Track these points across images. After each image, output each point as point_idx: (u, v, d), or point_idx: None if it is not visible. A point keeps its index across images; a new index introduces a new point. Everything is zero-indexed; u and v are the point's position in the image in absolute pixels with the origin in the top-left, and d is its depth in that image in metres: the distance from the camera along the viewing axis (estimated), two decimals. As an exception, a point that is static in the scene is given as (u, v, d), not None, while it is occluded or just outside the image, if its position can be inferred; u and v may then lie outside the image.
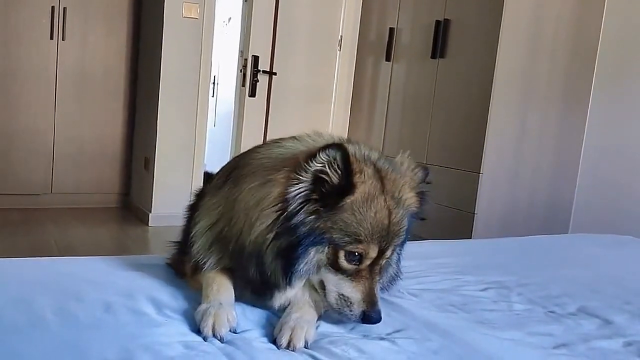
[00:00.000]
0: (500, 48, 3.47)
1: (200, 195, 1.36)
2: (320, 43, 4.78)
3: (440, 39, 3.87)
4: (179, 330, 1.05)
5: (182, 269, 1.31)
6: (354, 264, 1.12)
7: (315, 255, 1.10)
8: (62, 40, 4.60)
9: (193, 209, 1.33)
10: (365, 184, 1.11)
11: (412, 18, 4.20)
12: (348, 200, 1.09)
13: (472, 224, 3.54)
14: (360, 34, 4.77)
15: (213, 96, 6.52)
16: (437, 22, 3.89)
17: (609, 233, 2.69)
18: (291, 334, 1.05)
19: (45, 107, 4.65)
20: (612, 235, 2.55)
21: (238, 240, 1.14)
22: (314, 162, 1.07)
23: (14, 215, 4.38)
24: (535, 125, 3.76)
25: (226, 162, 1.41)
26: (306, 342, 1.05)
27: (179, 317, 1.11)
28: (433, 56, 3.93)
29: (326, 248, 1.10)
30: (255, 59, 4.42)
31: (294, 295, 1.17)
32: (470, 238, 3.36)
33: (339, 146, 1.08)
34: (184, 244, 1.32)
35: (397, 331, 1.17)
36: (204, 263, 1.21)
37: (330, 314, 1.16)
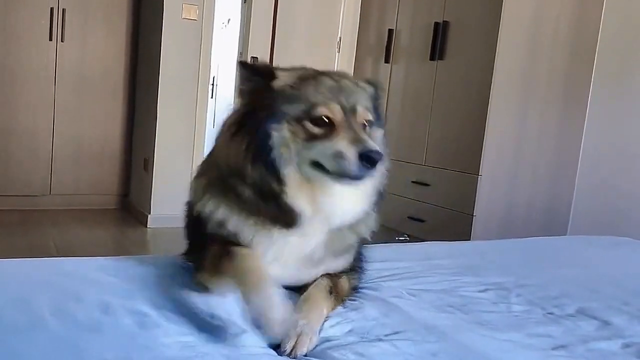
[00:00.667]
0: (499, 49, 3.47)
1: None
2: (319, 44, 4.79)
3: (439, 41, 3.87)
4: (178, 330, 1.05)
5: (201, 262, 1.28)
6: (325, 127, 1.16)
7: (277, 135, 1.15)
8: (62, 41, 4.61)
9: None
10: (290, 72, 1.23)
11: (411, 19, 4.20)
12: (275, 84, 1.19)
13: (471, 225, 3.54)
14: (359, 35, 4.77)
15: (212, 97, 6.52)
16: (436, 24, 3.89)
17: (607, 235, 2.70)
18: (296, 340, 1.04)
19: (45, 108, 4.65)
20: (611, 237, 2.56)
21: (220, 172, 1.23)
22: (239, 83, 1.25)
23: (12, 216, 4.38)
24: (534, 127, 3.77)
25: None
26: (307, 350, 1.05)
27: (178, 318, 1.11)
28: (432, 58, 3.93)
29: (285, 124, 1.15)
30: (255, 60, 4.42)
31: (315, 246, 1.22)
32: (469, 239, 3.36)
33: (241, 62, 1.26)
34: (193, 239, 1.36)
35: (396, 332, 1.16)
36: (208, 211, 1.23)
37: (339, 181, 1.16)
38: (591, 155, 3.89)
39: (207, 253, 1.24)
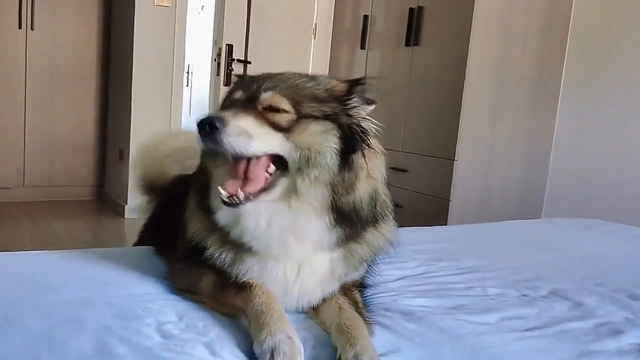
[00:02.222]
0: (473, 35, 3.50)
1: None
2: (294, 31, 4.77)
3: (414, 27, 3.88)
4: (157, 319, 1.05)
5: (197, 285, 1.17)
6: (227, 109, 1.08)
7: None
8: (31, 29, 4.52)
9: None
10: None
11: (385, 5, 4.20)
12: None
13: (448, 210, 3.59)
14: (334, 21, 4.77)
15: (188, 85, 6.47)
16: (411, 10, 3.90)
17: (580, 217, 2.75)
18: None
19: (15, 98, 4.57)
20: (582, 219, 2.61)
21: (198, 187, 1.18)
22: None
23: (-16, 209, 4.31)
24: (508, 112, 3.81)
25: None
26: None
27: (157, 308, 1.11)
28: (407, 44, 3.95)
29: None
30: (230, 47, 4.39)
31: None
32: (446, 224, 3.40)
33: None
34: (187, 253, 1.21)
35: (373, 318, 1.17)
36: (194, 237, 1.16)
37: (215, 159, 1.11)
38: (564, 139, 3.96)
39: (203, 281, 1.15)
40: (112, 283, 1.23)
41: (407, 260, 1.61)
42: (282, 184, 1.06)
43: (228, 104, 1.11)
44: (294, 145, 1.04)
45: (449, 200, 3.61)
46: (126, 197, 4.42)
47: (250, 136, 1.01)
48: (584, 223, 2.44)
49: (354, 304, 1.15)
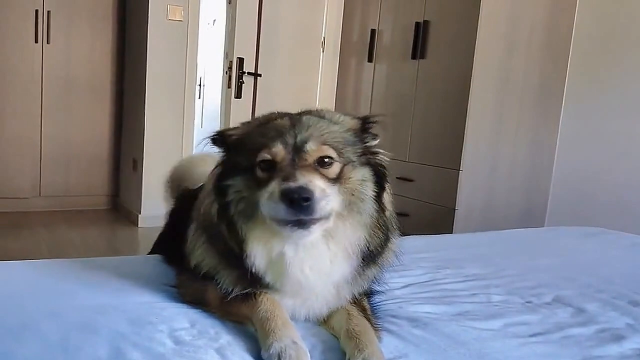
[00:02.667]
0: (478, 48, 3.54)
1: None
2: (303, 45, 4.81)
3: (420, 40, 3.93)
4: (170, 326, 1.07)
5: (204, 298, 1.18)
6: (268, 171, 1.04)
7: (233, 190, 1.08)
8: (47, 43, 4.60)
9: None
10: (247, 123, 1.18)
11: (392, 19, 4.25)
12: (228, 141, 1.15)
13: (453, 219, 3.61)
14: (342, 35, 4.81)
15: (200, 98, 6.53)
16: (417, 24, 3.94)
17: (582, 225, 2.76)
18: None
19: (32, 110, 4.63)
20: (585, 227, 2.62)
21: (203, 223, 1.17)
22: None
23: (2, 219, 4.37)
24: (512, 123, 3.84)
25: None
26: None
27: (169, 315, 1.13)
28: (413, 57, 3.99)
29: (239, 176, 1.08)
30: (240, 60, 4.45)
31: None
32: (451, 233, 3.42)
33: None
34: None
35: (380, 324, 1.19)
36: (197, 263, 1.17)
37: (283, 230, 1.03)
38: (567, 149, 3.97)
39: (210, 294, 1.16)
40: (125, 290, 1.26)
41: (413, 268, 1.62)
42: (324, 227, 1.04)
43: (267, 160, 1.05)
44: (340, 192, 1.05)
45: (454, 209, 3.64)
46: (140, 207, 4.48)
47: (327, 196, 1.00)
48: (586, 231, 2.45)
49: (362, 310, 1.16)
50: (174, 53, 4.42)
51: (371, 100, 4.41)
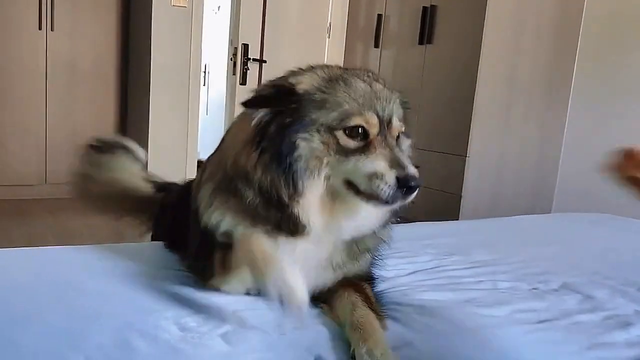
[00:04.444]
0: (485, 34, 3.51)
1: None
2: (309, 30, 4.79)
3: (427, 25, 3.89)
4: (175, 313, 1.08)
5: (210, 268, 1.17)
6: (359, 140, 1.05)
7: (306, 145, 1.04)
8: (51, 30, 4.59)
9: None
10: (312, 73, 1.11)
11: (399, 4, 4.21)
12: (299, 88, 1.07)
13: (460, 205, 3.60)
14: (348, 21, 4.78)
15: (205, 85, 6.52)
16: (424, 8, 3.91)
17: (590, 212, 2.75)
18: None
19: (36, 97, 4.64)
20: (593, 213, 2.61)
21: (230, 172, 1.11)
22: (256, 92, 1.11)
23: (9, 206, 4.39)
24: (519, 109, 3.81)
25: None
26: None
27: (175, 301, 1.14)
28: (421, 42, 3.96)
29: (316, 134, 1.04)
30: (245, 47, 4.43)
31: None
32: (458, 219, 3.42)
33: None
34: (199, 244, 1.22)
35: (386, 311, 1.19)
36: (215, 222, 1.13)
37: (369, 202, 1.06)
38: (574, 135, 3.95)
39: (214, 259, 1.16)
40: (130, 277, 1.26)
41: (419, 254, 1.62)
42: None
43: (357, 132, 1.05)
44: None
45: (460, 196, 3.63)
46: (145, 194, 4.48)
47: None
48: (593, 218, 2.45)
49: (367, 299, 1.16)
50: (178, 40, 4.41)
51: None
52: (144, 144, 4.51)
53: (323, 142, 1.04)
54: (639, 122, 3.61)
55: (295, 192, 1.04)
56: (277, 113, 1.06)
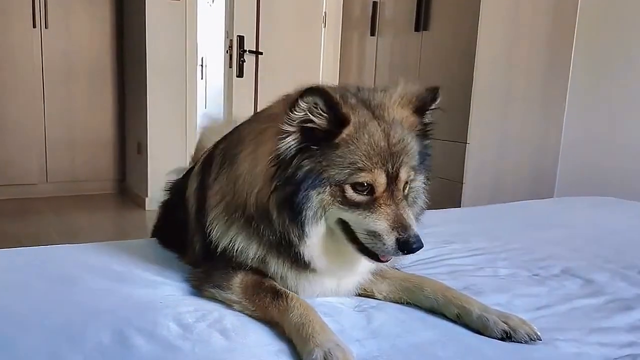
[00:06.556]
0: (482, 19, 3.47)
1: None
2: (304, 20, 4.75)
3: (423, 12, 3.86)
4: (174, 310, 1.07)
5: (227, 285, 1.15)
6: (365, 195, 1.06)
7: (317, 197, 1.06)
8: (45, 28, 4.57)
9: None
10: (355, 114, 1.08)
11: (395, -9, 4.18)
12: (344, 134, 1.06)
13: (461, 193, 3.59)
14: (344, 9, 4.74)
15: (202, 78, 6.50)
16: (419, -6, 3.88)
17: (592, 195, 2.74)
18: None
19: (34, 96, 4.64)
20: (594, 197, 2.60)
21: (245, 208, 1.12)
22: (295, 111, 1.04)
23: (11, 205, 4.41)
24: (519, 94, 3.78)
25: (207, 153, 1.39)
26: None
27: (174, 298, 1.14)
28: (417, 29, 3.92)
29: (327, 188, 1.06)
30: (241, 39, 4.40)
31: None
32: (459, 207, 3.41)
33: (316, 88, 1.05)
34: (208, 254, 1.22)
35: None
36: (239, 249, 1.15)
37: (365, 256, 1.10)
38: (575, 119, 3.92)
39: (235, 281, 1.15)
40: (130, 274, 1.26)
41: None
42: None
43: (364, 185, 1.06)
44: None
45: (461, 183, 3.61)
46: (147, 190, 4.49)
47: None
48: (596, 201, 2.43)
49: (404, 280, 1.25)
50: (173, 33, 4.39)
51: (375, 75, 4.37)
52: (143, 139, 4.51)
53: (332, 195, 1.07)
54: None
55: (302, 234, 1.08)
56: (304, 148, 1.06)
